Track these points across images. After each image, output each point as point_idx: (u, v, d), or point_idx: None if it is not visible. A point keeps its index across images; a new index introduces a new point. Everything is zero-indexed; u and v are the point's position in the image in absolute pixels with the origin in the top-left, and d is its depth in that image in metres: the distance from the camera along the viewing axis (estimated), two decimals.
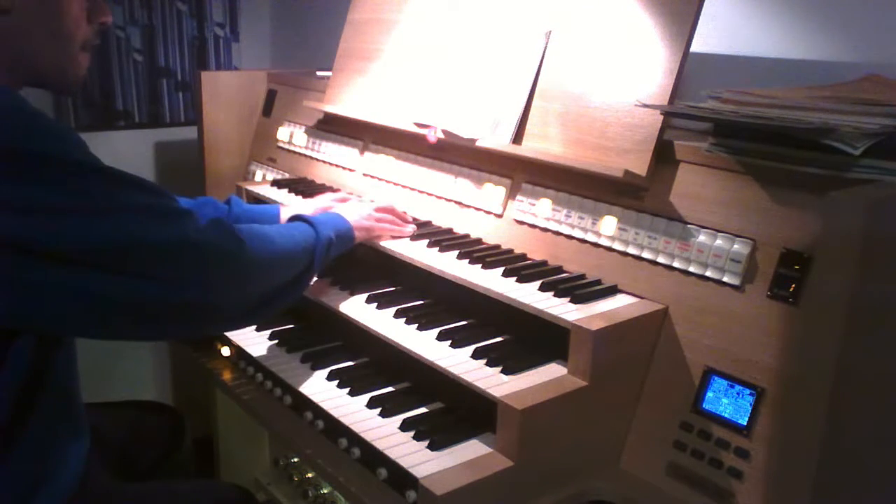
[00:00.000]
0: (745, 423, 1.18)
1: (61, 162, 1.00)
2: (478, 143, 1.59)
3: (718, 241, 1.26)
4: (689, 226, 1.30)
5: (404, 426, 1.28)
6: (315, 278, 1.44)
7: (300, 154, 2.22)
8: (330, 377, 1.45)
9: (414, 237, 1.61)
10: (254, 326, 1.68)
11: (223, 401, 2.11)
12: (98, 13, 1.22)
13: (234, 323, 1.38)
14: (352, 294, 1.56)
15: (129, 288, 1.06)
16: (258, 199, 2.03)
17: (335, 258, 1.49)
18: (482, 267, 1.46)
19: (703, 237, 1.28)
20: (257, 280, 1.24)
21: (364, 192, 1.95)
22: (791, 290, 1.16)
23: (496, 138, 1.58)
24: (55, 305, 1.04)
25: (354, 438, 1.27)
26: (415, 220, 1.75)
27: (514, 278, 1.40)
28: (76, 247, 1.01)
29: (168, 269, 1.08)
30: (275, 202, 1.91)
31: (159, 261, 1.08)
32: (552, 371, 1.28)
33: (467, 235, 1.65)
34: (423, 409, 1.35)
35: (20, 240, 0.97)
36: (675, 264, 1.31)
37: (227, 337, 1.66)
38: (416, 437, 1.25)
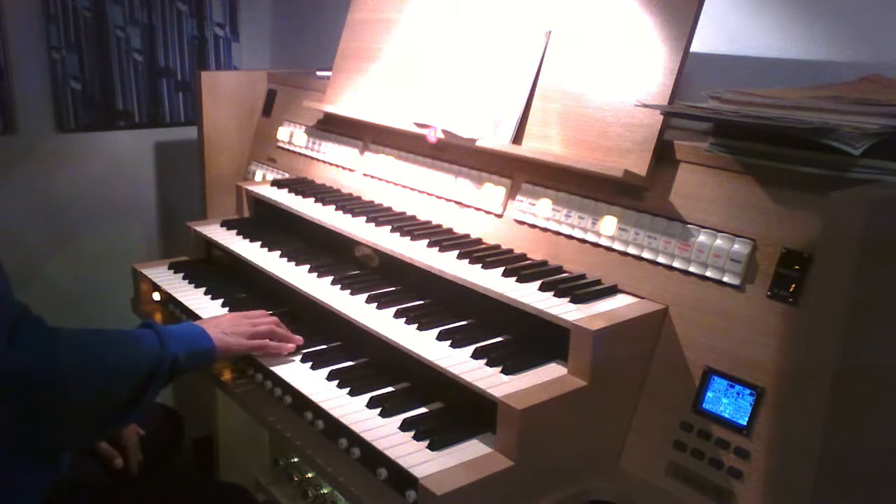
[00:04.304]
0: (745, 423, 1.18)
1: None
2: (478, 143, 1.59)
3: (718, 241, 1.26)
4: (689, 226, 1.30)
5: (404, 426, 1.28)
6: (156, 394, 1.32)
7: (300, 154, 2.22)
8: (330, 377, 1.44)
9: (414, 237, 1.61)
10: None
11: (223, 401, 2.11)
12: None
13: (60, 447, 1.30)
14: (352, 294, 1.56)
15: None
16: (259, 200, 2.03)
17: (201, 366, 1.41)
18: (482, 267, 1.46)
19: (703, 237, 1.28)
20: (76, 405, 1.19)
21: (364, 192, 1.95)
22: (791, 290, 1.16)
23: (496, 138, 1.58)
24: None
25: (354, 438, 1.26)
26: (415, 217, 1.75)
27: (514, 278, 1.40)
28: None
29: None
30: (276, 202, 1.92)
31: None
32: (552, 371, 1.28)
33: (467, 235, 1.65)
34: (423, 409, 1.34)
35: None
36: (675, 264, 1.31)
37: None
38: (416, 437, 1.25)
